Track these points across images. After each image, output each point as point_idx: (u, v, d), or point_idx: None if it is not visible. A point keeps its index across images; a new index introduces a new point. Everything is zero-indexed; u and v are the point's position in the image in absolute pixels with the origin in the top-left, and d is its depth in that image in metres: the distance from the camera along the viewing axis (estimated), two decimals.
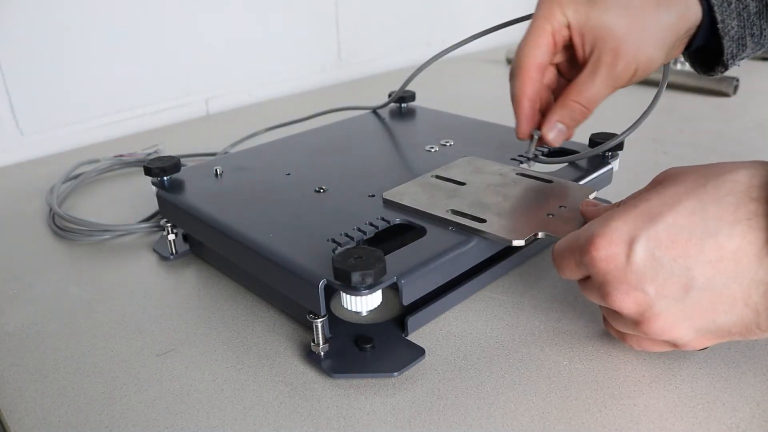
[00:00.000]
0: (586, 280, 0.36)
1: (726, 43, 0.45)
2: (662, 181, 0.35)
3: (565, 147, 0.54)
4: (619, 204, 0.37)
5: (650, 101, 0.48)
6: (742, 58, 0.47)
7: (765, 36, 0.47)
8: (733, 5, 0.44)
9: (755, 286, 0.31)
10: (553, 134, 0.46)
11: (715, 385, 0.37)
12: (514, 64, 0.45)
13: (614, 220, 0.33)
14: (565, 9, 0.43)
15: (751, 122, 0.83)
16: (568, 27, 0.43)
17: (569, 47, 0.45)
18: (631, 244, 0.32)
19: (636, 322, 0.34)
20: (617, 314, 0.35)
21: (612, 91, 0.44)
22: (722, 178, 0.32)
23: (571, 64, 0.46)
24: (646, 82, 0.89)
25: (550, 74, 0.47)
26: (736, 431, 0.34)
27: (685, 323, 0.33)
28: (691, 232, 0.31)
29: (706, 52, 0.48)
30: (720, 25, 0.44)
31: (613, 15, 0.42)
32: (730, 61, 0.47)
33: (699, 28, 0.45)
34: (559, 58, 0.46)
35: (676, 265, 0.31)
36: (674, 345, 0.35)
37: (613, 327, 0.38)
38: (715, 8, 0.44)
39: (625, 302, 0.33)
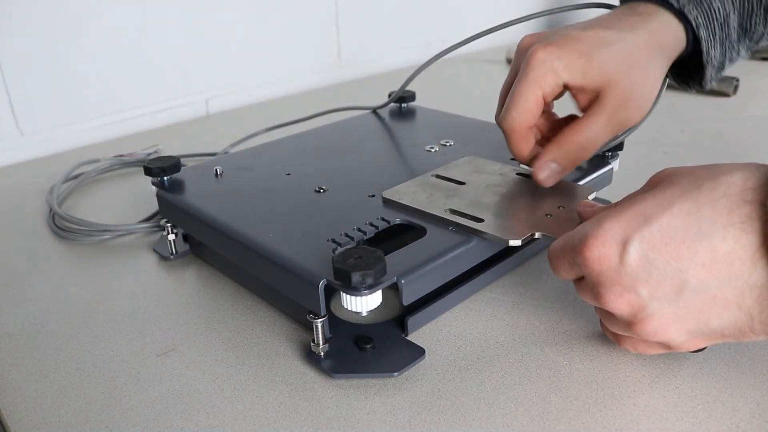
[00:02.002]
0: (581, 280, 0.36)
1: (708, 70, 0.47)
2: (658, 182, 0.35)
3: None
4: (615, 204, 0.37)
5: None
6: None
7: (740, 55, 0.48)
8: (717, 36, 0.45)
9: (749, 290, 0.31)
10: (545, 174, 0.45)
11: (715, 385, 0.37)
12: (504, 127, 0.45)
13: (608, 220, 0.33)
14: (559, 72, 0.42)
15: (751, 122, 0.83)
16: (565, 86, 0.43)
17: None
18: (624, 245, 0.32)
19: (629, 324, 0.34)
20: (611, 315, 0.35)
21: (614, 135, 0.44)
22: (717, 180, 0.32)
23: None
24: None
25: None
26: (736, 431, 0.34)
27: (678, 325, 0.33)
28: (684, 234, 0.31)
29: (683, 66, 0.49)
30: (705, 56, 0.46)
31: (610, 66, 0.42)
32: (708, 84, 0.48)
33: (682, 52, 0.46)
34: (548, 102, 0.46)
35: (669, 266, 0.31)
36: (668, 346, 0.35)
37: (608, 329, 0.38)
38: (702, 41, 0.45)
39: (618, 303, 0.33)
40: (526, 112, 0.43)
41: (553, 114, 0.49)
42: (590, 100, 0.43)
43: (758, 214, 0.30)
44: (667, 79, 0.50)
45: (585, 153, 0.44)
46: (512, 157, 0.53)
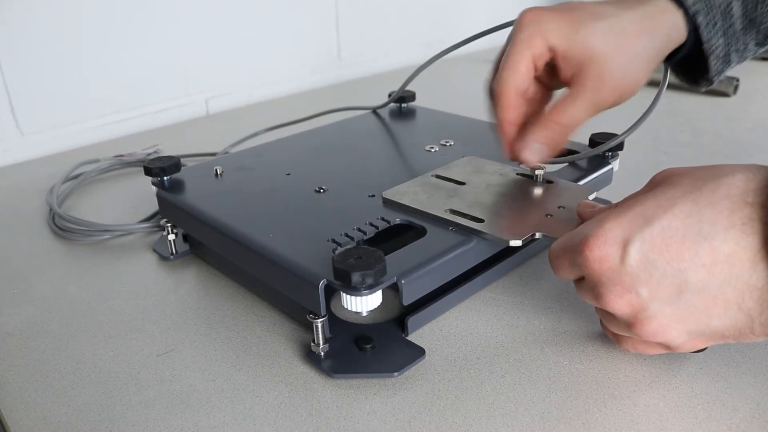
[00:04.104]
0: (581, 280, 0.36)
1: (712, 61, 0.45)
2: (659, 182, 0.35)
3: (565, 147, 0.54)
4: (615, 205, 0.37)
5: (650, 101, 0.48)
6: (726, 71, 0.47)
7: (749, 49, 0.47)
8: (719, 24, 0.44)
9: (749, 291, 0.31)
10: (529, 154, 0.44)
11: (715, 385, 0.37)
12: (495, 90, 0.44)
13: (609, 221, 0.33)
14: (547, 34, 0.42)
15: (751, 122, 0.83)
16: (551, 50, 0.42)
17: (551, 65, 0.44)
18: (625, 246, 0.32)
19: (629, 324, 0.34)
20: (611, 315, 0.35)
21: (595, 114, 0.44)
22: (718, 181, 0.32)
23: (552, 75, 0.45)
24: (647, 83, 0.89)
25: (532, 88, 0.46)
26: (736, 431, 0.34)
27: (678, 326, 0.33)
28: (685, 235, 0.31)
29: (689, 62, 0.48)
30: (706, 45, 0.44)
31: (598, 40, 0.41)
32: (715, 77, 0.47)
33: (683, 44, 0.45)
34: (539, 72, 0.45)
35: (670, 267, 0.31)
36: (668, 347, 0.35)
37: (608, 329, 0.38)
38: (701, 29, 0.43)
39: (619, 304, 0.33)
40: (515, 74, 0.43)
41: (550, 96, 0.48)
42: (572, 74, 0.43)
43: (759, 216, 0.30)
44: (668, 75, 0.49)
45: (567, 134, 0.44)
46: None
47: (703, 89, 0.49)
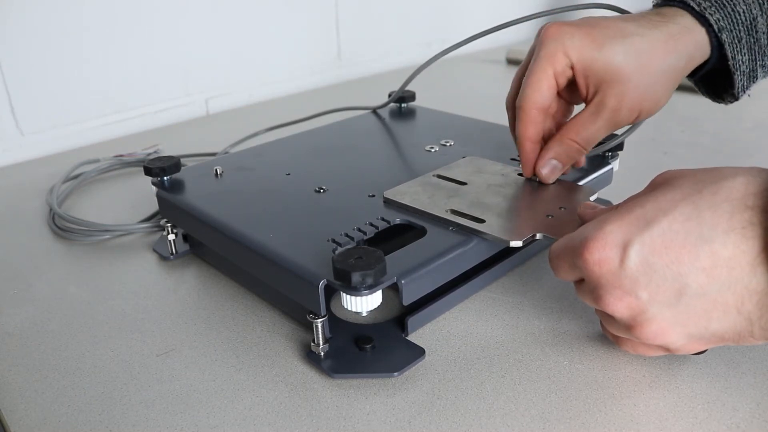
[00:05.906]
0: (581, 282, 0.36)
1: (737, 77, 0.45)
2: (659, 184, 0.35)
3: None
4: (616, 207, 0.37)
5: None
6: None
7: None
8: (743, 40, 0.43)
9: (748, 295, 0.31)
10: (547, 171, 0.46)
11: (715, 385, 0.37)
12: (517, 104, 0.45)
13: (609, 223, 0.33)
14: (569, 51, 0.42)
15: (751, 122, 0.83)
16: (572, 68, 0.42)
17: (573, 82, 0.44)
18: (625, 249, 0.32)
19: (629, 327, 0.34)
20: (611, 317, 0.35)
21: (611, 132, 0.44)
22: (719, 184, 0.32)
23: (573, 90, 0.45)
24: None
25: (554, 104, 0.46)
26: (736, 431, 0.34)
27: (678, 329, 0.33)
28: (685, 239, 0.31)
29: (713, 77, 0.47)
30: (731, 62, 0.44)
31: (620, 59, 0.41)
32: (740, 93, 0.47)
33: (707, 60, 0.44)
34: (561, 88, 0.45)
35: (670, 270, 0.31)
36: (667, 349, 0.35)
37: (608, 330, 0.38)
38: (726, 46, 0.43)
39: (618, 306, 0.33)
40: (538, 91, 0.43)
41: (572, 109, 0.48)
42: (592, 91, 0.43)
43: (759, 220, 0.30)
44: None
45: (584, 151, 0.44)
46: (514, 157, 0.54)
47: (728, 104, 0.49)
